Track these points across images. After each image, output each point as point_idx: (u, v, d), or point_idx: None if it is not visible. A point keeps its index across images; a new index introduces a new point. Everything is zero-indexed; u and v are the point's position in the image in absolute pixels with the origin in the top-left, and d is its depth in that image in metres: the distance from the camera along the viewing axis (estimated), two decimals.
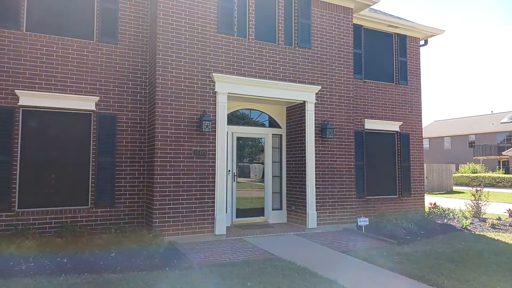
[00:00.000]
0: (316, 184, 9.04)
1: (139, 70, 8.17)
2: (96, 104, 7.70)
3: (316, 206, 8.99)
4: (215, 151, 8.07)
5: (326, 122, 9.22)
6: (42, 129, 7.40)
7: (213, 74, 8.10)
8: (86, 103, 7.60)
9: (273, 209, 9.58)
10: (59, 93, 7.38)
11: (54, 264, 6.01)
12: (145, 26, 8.29)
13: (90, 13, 7.87)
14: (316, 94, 9.24)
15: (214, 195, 7.97)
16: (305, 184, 8.98)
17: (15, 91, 7.04)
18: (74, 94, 7.51)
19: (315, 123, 9.17)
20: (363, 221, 8.98)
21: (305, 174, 8.99)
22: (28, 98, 7.13)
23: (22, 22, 7.25)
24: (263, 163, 9.64)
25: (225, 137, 8.19)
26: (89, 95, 7.64)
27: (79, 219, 7.36)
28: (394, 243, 7.95)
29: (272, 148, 9.75)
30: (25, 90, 7.12)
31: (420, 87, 11.88)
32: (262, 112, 9.74)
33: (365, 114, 10.81)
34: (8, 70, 7.05)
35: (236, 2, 8.56)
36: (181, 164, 7.75)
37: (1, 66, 7.01)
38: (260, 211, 9.46)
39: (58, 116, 7.52)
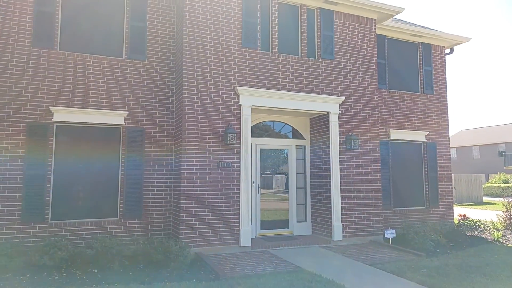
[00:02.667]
0: (341, 196, 8.97)
1: (166, 85, 8.40)
2: (125, 119, 7.96)
3: (342, 218, 8.91)
4: (240, 163, 8.16)
5: (350, 133, 9.18)
6: (74, 143, 7.69)
7: (237, 87, 8.24)
8: (116, 117, 7.86)
9: (297, 221, 9.54)
10: (90, 108, 7.68)
11: (85, 275, 6.20)
12: (171, 42, 8.54)
13: (119, 31, 8.19)
14: (340, 105, 9.23)
15: (239, 206, 8.03)
16: (330, 196, 8.92)
17: (50, 107, 7.37)
18: (105, 109, 7.79)
19: (340, 134, 9.14)
20: (390, 233, 8.82)
21: (330, 185, 8.94)
22: (61, 114, 7.46)
23: (56, 41, 7.61)
24: (285, 174, 9.65)
25: (249, 149, 8.28)
26: (119, 110, 7.90)
27: (108, 230, 7.56)
28: (423, 255, 7.77)
29: (296, 159, 9.75)
30: (59, 106, 7.45)
31: (446, 95, 11.67)
32: (286, 123, 9.79)
33: (390, 124, 10.69)
34: (43, 87, 7.40)
35: (260, 17, 8.72)
36: (207, 176, 7.87)
37: (36, 84, 7.37)
38: (284, 223, 9.44)
39: (89, 130, 7.81)
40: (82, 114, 7.60)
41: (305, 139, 9.91)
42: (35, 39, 7.42)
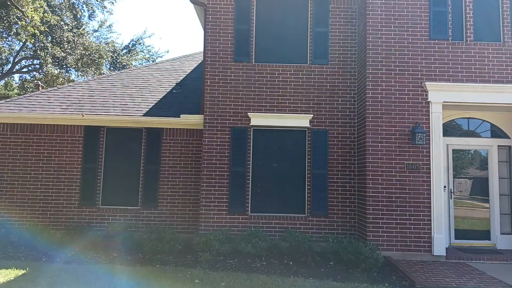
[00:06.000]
0: None
1: (348, 86, 8.46)
2: (310, 121, 8.36)
3: None
4: (430, 165, 7.57)
5: None
6: (266, 145, 8.50)
7: (425, 83, 7.68)
8: (302, 120, 8.35)
9: (501, 233, 8.24)
10: (280, 113, 8.36)
11: (282, 265, 6.78)
12: (353, 43, 8.56)
13: (303, 38, 8.65)
14: None
15: (430, 212, 7.45)
16: None
17: (248, 113, 8.34)
18: (292, 113, 8.36)
19: None
20: None
21: None
22: (256, 119, 8.34)
23: (252, 55, 8.56)
24: (470, 178, 8.49)
25: (440, 150, 7.60)
26: (304, 113, 8.36)
27: (297, 226, 8.08)
28: None
29: (498, 161, 8.44)
30: (255, 112, 8.36)
31: None
32: (484, 120, 8.58)
33: None
34: (242, 96, 8.43)
35: (450, 4, 7.92)
36: (393, 178, 7.58)
37: (237, 93, 8.43)
38: (483, 234, 8.29)
39: (279, 133, 8.50)
40: (273, 118, 8.34)
41: (510, 138, 8.49)
42: (236, 54, 8.50)
